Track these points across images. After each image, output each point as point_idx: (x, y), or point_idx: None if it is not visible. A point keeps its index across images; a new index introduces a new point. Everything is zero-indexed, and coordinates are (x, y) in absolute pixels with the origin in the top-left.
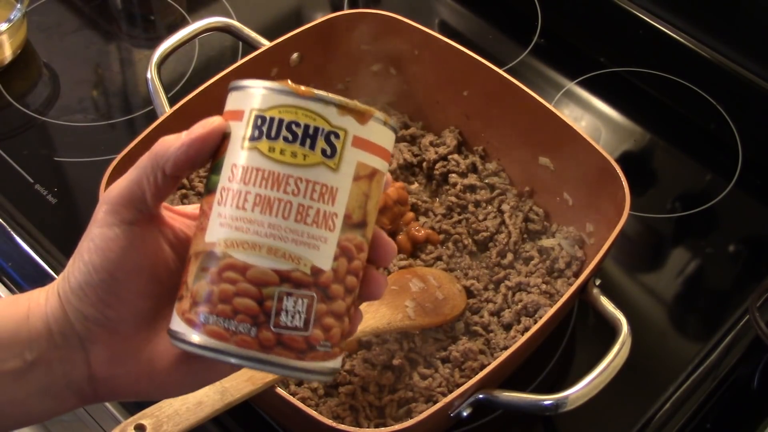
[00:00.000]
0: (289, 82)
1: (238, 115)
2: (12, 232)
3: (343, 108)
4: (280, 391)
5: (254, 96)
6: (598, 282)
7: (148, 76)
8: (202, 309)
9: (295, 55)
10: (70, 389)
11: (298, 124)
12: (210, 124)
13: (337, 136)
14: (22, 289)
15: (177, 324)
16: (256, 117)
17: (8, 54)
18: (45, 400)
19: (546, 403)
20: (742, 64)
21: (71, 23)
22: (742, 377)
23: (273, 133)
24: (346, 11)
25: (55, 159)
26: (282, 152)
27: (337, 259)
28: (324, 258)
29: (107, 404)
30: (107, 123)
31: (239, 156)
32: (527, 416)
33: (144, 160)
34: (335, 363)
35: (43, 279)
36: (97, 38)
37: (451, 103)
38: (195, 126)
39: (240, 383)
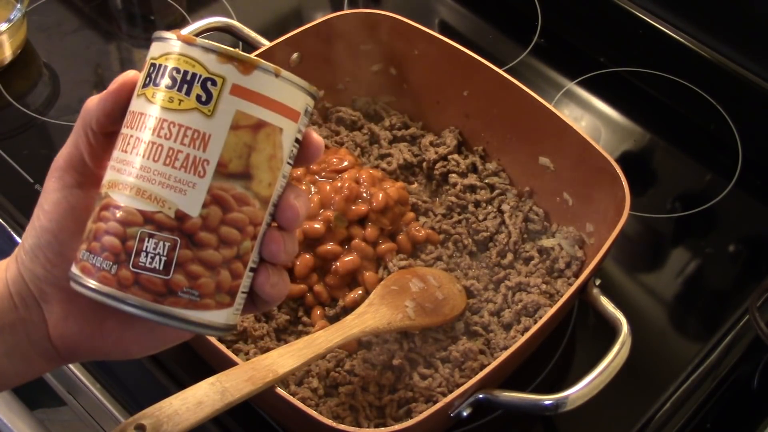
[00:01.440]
0: (178, 31)
1: (144, 65)
2: (12, 232)
3: (223, 56)
4: (280, 391)
5: (153, 46)
6: (598, 282)
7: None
8: (82, 246)
9: (295, 55)
10: (35, 350)
11: (178, 71)
12: (122, 77)
13: (213, 83)
14: None
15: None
16: (149, 65)
17: (8, 54)
18: (14, 362)
19: (546, 403)
20: (742, 64)
21: (71, 23)
22: (742, 377)
23: (157, 80)
24: (346, 11)
25: None
26: (161, 98)
27: (207, 207)
28: (190, 203)
29: (107, 404)
30: None
31: (133, 102)
32: (527, 416)
33: (76, 124)
34: (208, 316)
35: None
36: (97, 38)
37: (451, 103)
38: (112, 81)
39: (240, 383)
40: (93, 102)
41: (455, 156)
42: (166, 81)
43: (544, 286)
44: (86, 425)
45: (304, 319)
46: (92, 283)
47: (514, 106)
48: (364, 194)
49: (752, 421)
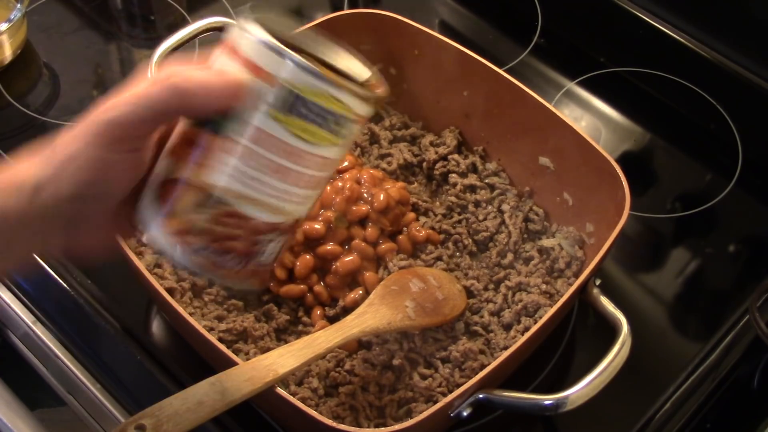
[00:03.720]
0: (321, 67)
1: (267, 77)
2: None
3: (369, 101)
4: (280, 391)
5: (288, 67)
6: (598, 282)
7: (148, 76)
8: (198, 240)
9: None
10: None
11: (326, 110)
12: (236, 84)
13: (355, 122)
14: (23, 289)
15: (160, 235)
16: (287, 90)
17: (8, 54)
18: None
19: (546, 403)
20: (742, 64)
21: (71, 23)
22: (742, 377)
23: (300, 111)
24: (346, 11)
25: None
26: (304, 130)
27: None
28: (306, 210)
29: (107, 404)
30: None
31: (261, 119)
32: (527, 416)
33: (164, 99)
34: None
35: (44, 279)
36: (97, 38)
37: (451, 103)
38: (221, 79)
39: (240, 383)
40: (197, 93)
41: (455, 156)
42: (313, 118)
43: (544, 286)
44: (86, 425)
45: (304, 319)
46: (214, 277)
47: (514, 106)
48: (365, 195)
49: (752, 421)
